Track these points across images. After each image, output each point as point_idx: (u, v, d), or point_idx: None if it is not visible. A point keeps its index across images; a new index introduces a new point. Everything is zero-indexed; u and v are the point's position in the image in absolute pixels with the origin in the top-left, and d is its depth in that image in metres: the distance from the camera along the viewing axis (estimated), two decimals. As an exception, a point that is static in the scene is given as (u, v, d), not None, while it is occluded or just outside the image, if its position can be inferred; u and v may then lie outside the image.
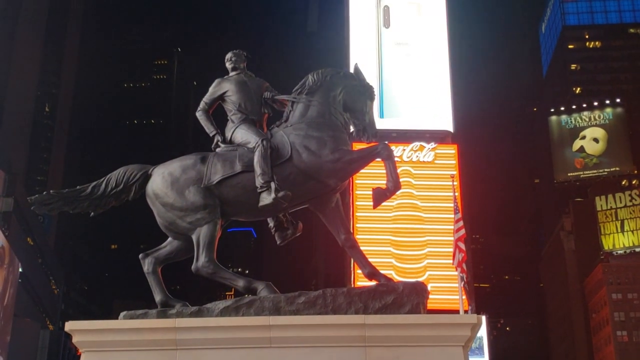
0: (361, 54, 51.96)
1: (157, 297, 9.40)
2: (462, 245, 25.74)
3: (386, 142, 9.68)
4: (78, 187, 9.86)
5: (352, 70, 10.25)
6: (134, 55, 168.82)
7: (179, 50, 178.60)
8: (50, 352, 75.63)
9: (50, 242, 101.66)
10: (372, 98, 9.99)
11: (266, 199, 9.20)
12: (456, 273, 27.50)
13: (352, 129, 9.99)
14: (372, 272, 9.45)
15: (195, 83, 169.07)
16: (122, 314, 8.99)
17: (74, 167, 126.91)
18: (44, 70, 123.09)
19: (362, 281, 42.13)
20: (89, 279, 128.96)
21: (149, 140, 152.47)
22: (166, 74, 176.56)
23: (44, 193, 9.71)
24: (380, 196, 9.49)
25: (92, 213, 9.96)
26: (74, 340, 8.66)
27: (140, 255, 9.72)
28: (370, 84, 10.11)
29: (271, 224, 10.08)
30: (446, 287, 41.58)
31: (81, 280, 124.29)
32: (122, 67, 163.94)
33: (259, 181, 9.23)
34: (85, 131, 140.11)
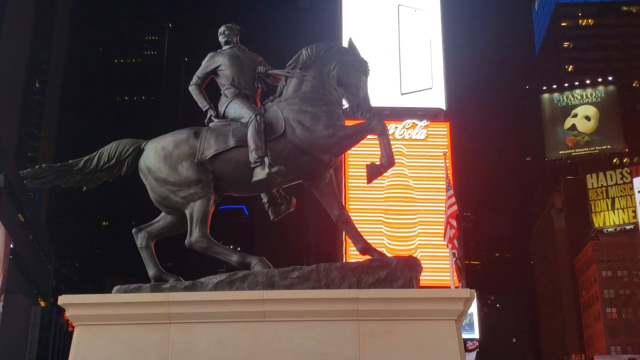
0: (354, 31, 51.61)
1: (151, 272, 9.40)
2: (454, 222, 25.77)
3: (380, 117, 9.66)
4: (70, 161, 9.81)
5: (346, 45, 10.19)
6: (125, 31, 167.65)
7: (170, 26, 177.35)
8: (41, 328, 75.80)
9: (41, 218, 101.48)
10: (366, 73, 9.91)
11: (260, 174, 9.17)
12: (448, 252, 27.59)
13: (346, 104, 9.96)
14: (365, 248, 9.46)
15: (186, 59, 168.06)
16: (115, 288, 8.98)
17: (64, 143, 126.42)
18: (34, 46, 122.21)
19: (354, 258, 42.26)
20: (80, 255, 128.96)
21: (139, 117, 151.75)
22: (157, 50, 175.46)
23: (36, 167, 9.66)
24: (374, 172, 9.49)
25: (85, 187, 9.92)
26: (68, 314, 8.67)
27: (133, 230, 9.69)
28: (365, 59, 10.05)
29: (265, 200, 10.06)
30: (437, 266, 41.60)
31: (72, 257, 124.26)
32: (112, 43, 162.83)
33: (252, 156, 9.20)
34: (75, 107, 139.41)
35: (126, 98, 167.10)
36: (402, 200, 48.25)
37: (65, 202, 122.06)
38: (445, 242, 26.32)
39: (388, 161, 9.42)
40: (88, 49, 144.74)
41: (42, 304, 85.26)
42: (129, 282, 9.33)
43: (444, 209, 28.53)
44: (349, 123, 9.79)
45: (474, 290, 8.70)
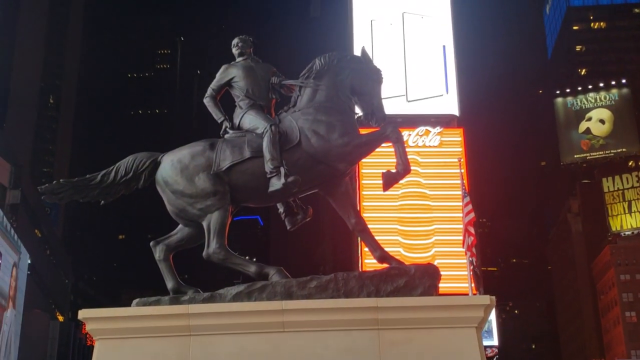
0: (365, 39, 51.69)
1: (169, 284, 9.42)
2: (472, 229, 25.67)
3: (395, 125, 9.65)
4: (88, 175, 9.87)
5: (359, 53, 10.21)
6: (137, 46, 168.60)
7: (182, 39, 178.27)
8: (60, 343, 76.03)
9: (57, 233, 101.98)
10: (380, 81, 9.93)
11: (276, 184, 9.18)
12: (465, 261, 27.44)
13: (360, 112, 9.97)
14: (383, 256, 9.44)
15: (198, 72, 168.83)
16: (134, 301, 9.01)
17: (79, 158, 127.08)
18: (47, 62, 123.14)
19: (371, 267, 42.15)
20: (97, 269, 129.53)
21: (153, 130, 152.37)
22: (169, 63, 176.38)
23: (54, 182, 9.72)
24: (390, 179, 9.48)
25: (102, 201, 9.98)
26: (88, 328, 8.70)
27: (151, 243, 9.72)
28: (378, 67, 10.05)
29: (281, 210, 10.07)
30: (454, 275, 41.32)
31: (89, 271, 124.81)
32: (125, 58, 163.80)
33: (268, 166, 9.22)
34: (89, 122, 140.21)
35: (140, 112, 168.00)
36: (418, 209, 48.09)
37: (81, 217, 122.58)
38: (464, 250, 26.19)
39: (404, 168, 9.41)
40: (101, 64, 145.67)
41: (60, 318, 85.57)
42: (145, 295, 9.36)
43: (460, 216, 28.44)
44: (363, 131, 9.79)
45: (494, 297, 8.65)
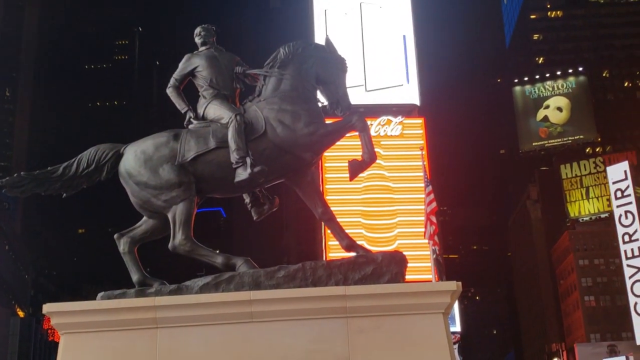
0: (325, 30, 51.65)
1: (135, 277, 9.31)
2: (434, 218, 25.94)
3: (360, 114, 9.66)
4: (49, 168, 9.70)
5: (322, 42, 10.17)
6: (94, 37, 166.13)
7: (140, 29, 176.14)
8: (21, 339, 74.99)
9: (16, 228, 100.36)
10: (344, 70, 9.91)
11: (242, 174, 9.12)
12: (427, 252, 27.69)
13: (324, 101, 9.94)
14: (350, 244, 9.44)
15: (157, 62, 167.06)
16: (99, 295, 8.89)
17: (37, 151, 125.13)
18: (2, 54, 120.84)
19: (335, 255, 42.26)
20: (57, 264, 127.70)
21: (113, 122, 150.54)
22: (128, 54, 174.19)
23: (15, 175, 9.54)
24: (356, 168, 9.48)
25: (64, 194, 9.82)
26: (52, 322, 8.57)
27: (115, 235, 9.59)
28: (342, 56, 10.03)
29: (247, 200, 10.02)
30: (416, 255, 41.70)
31: (49, 266, 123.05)
32: (82, 49, 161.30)
33: (234, 157, 9.15)
34: (47, 115, 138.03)
35: (98, 104, 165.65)
36: (380, 192, 48.44)
37: (40, 211, 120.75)
38: (426, 238, 26.44)
39: (370, 157, 9.42)
40: (58, 56, 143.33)
41: (21, 314, 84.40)
42: (107, 289, 9.23)
43: (422, 201, 28.67)
44: (328, 121, 9.78)
45: (460, 283, 8.73)
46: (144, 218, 9.71)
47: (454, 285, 8.60)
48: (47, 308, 8.55)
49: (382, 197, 48.26)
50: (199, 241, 9.33)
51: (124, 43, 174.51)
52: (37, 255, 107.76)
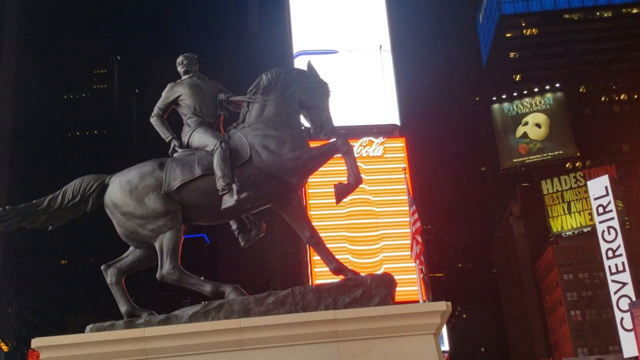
0: (304, 52, 52.08)
1: (123, 308, 9.24)
2: (419, 238, 25.98)
3: (344, 137, 9.71)
4: (34, 201, 9.64)
5: (304, 67, 10.22)
6: (72, 66, 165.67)
7: (118, 58, 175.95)
8: (5, 374, 73.99)
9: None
10: (327, 94, 9.96)
11: (228, 201, 9.11)
12: (412, 265, 27.71)
13: (308, 126, 9.98)
14: (338, 268, 9.43)
15: (136, 90, 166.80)
16: (88, 327, 8.82)
17: (17, 183, 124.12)
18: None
19: (321, 280, 42.20)
20: (40, 296, 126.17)
21: (93, 151, 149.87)
22: (106, 83, 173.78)
23: (0, 209, 9.47)
24: (342, 191, 9.49)
25: (50, 227, 9.75)
26: (42, 356, 8.47)
27: (102, 267, 9.53)
28: (325, 80, 10.09)
29: (234, 227, 10.00)
30: (403, 279, 41.65)
31: (33, 298, 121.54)
32: (60, 78, 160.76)
33: (220, 184, 9.14)
34: (27, 146, 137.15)
35: (78, 133, 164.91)
36: (364, 216, 48.55)
37: (22, 244, 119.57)
38: (412, 258, 26.46)
39: (355, 180, 9.45)
40: (36, 85, 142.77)
41: (5, 348, 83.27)
42: (91, 320, 9.17)
43: (406, 222, 28.77)
44: (312, 144, 9.81)
45: (449, 303, 8.74)
46: (131, 248, 9.66)
47: (443, 306, 8.61)
48: (36, 342, 8.45)
49: (366, 222, 48.35)
50: (183, 268, 9.28)
51: (102, 72, 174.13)
52: (20, 289, 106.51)
